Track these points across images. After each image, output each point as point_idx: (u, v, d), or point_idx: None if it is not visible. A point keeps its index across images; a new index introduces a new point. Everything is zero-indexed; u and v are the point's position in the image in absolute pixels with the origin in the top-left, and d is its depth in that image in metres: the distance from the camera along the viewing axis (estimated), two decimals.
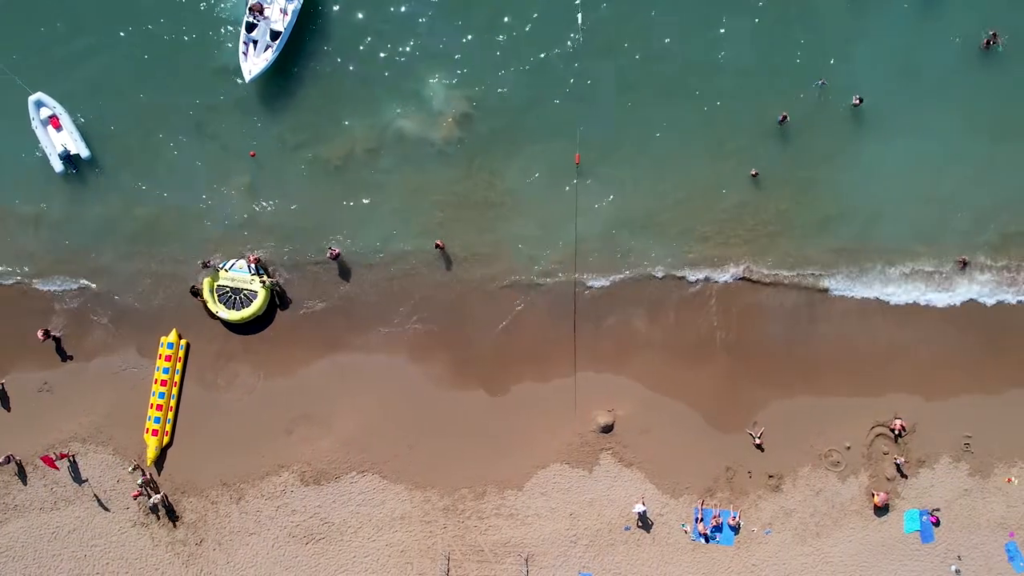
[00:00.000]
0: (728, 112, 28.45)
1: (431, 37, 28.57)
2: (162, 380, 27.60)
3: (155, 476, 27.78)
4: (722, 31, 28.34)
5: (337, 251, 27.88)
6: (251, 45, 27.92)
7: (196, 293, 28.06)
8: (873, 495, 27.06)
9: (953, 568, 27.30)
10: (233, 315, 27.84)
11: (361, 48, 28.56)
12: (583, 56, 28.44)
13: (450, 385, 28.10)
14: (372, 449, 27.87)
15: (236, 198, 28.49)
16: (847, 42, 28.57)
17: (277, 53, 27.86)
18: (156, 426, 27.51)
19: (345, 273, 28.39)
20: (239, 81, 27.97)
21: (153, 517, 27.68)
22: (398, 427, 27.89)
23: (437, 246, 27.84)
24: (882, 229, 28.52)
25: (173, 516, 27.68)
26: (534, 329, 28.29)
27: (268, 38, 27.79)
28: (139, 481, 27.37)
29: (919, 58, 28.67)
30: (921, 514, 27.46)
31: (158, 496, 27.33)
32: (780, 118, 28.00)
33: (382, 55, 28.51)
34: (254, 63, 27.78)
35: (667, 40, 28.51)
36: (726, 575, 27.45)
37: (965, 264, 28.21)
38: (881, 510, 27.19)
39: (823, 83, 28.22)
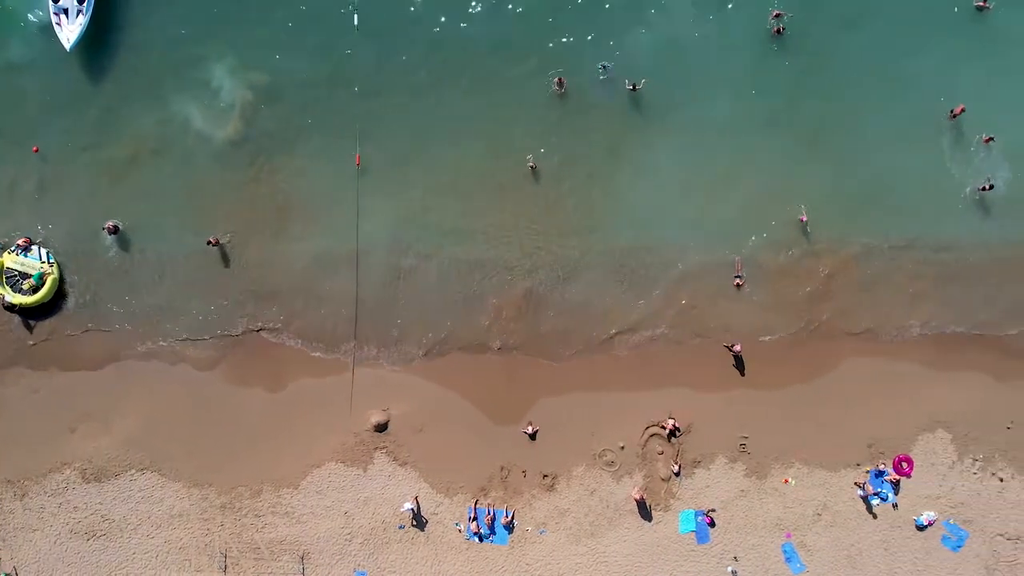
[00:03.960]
0: (507, 105, 28.25)
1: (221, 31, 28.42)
2: None
3: None
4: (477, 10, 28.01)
5: (114, 224, 27.77)
6: (63, 14, 28.00)
7: None
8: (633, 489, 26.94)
9: (729, 569, 27.17)
10: (18, 299, 27.91)
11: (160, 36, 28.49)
12: (361, 56, 28.21)
13: (228, 383, 28.17)
14: (151, 447, 28.04)
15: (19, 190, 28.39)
16: (629, 29, 28.15)
17: (88, 16, 27.89)
18: None
19: (128, 274, 28.37)
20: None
21: None
22: (177, 425, 28.02)
23: (210, 243, 27.76)
24: (662, 226, 28.11)
25: None
26: (313, 328, 28.25)
27: (76, 2, 27.86)
28: None
29: (705, 46, 28.22)
30: (696, 514, 27.31)
31: None
32: (556, 82, 27.80)
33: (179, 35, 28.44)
34: (70, 30, 27.91)
35: (436, 29, 28.34)
36: (500, 574, 27.40)
37: (740, 273, 27.81)
38: (642, 506, 26.97)
39: (607, 67, 27.89)
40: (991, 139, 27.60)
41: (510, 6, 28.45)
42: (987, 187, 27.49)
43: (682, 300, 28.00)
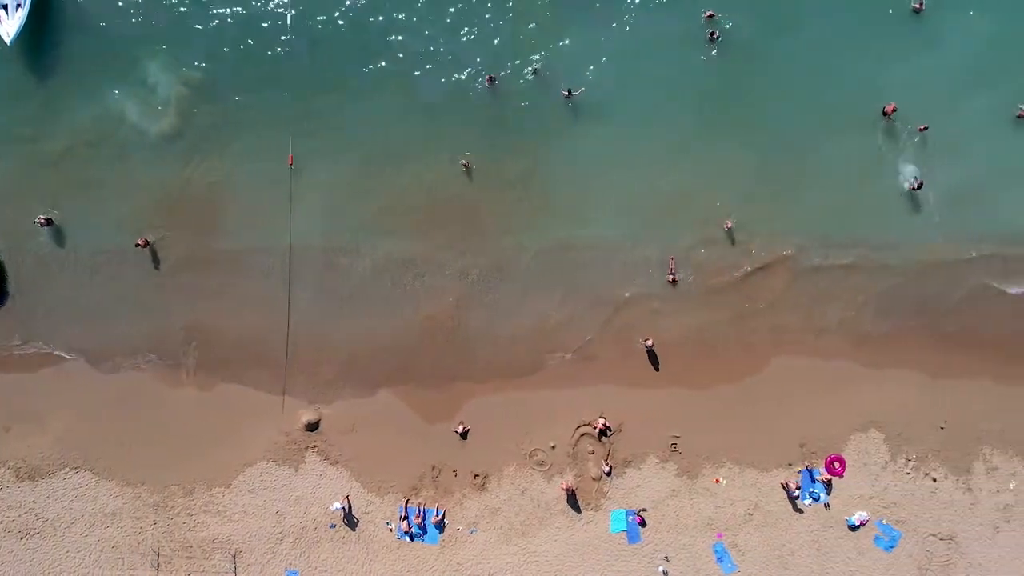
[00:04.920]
0: (441, 105, 28.22)
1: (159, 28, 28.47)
2: None
3: None
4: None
5: (46, 218, 27.75)
6: (2, 10, 28.13)
7: None
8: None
9: (660, 569, 27.11)
10: None
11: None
12: (295, 56, 28.22)
13: (160, 383, 28.15)
14: (85, 446, 28.07)
15: None
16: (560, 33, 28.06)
17: (27, 11, 27.94)
18: None
19: (61, 271, 28.38)
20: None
21: None
22: (111, 424, 28.04)
23: (139, 244, 27.75)
24: (596, 225, 28.03)
25: None
26: (246, 328, 28.21)
27: None
28: None
29: (642, 50, 28.16)
30: (627, 514, 27.26)
31: None
32: (487, 80, 27.88)
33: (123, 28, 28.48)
34: (9, 25, 28.01)
35: (393, 38, 28.39)
36: (431, 573, 27.41)
37: (673, 271, 27.72)
38: (573, 503, 26.90)
39: (534, 70, 27.79)
40: (926, 128, 27.42)
41: (444, 5, 28.28)
42: (916, 186, 27.34)
43: (615, 298, 27.79)
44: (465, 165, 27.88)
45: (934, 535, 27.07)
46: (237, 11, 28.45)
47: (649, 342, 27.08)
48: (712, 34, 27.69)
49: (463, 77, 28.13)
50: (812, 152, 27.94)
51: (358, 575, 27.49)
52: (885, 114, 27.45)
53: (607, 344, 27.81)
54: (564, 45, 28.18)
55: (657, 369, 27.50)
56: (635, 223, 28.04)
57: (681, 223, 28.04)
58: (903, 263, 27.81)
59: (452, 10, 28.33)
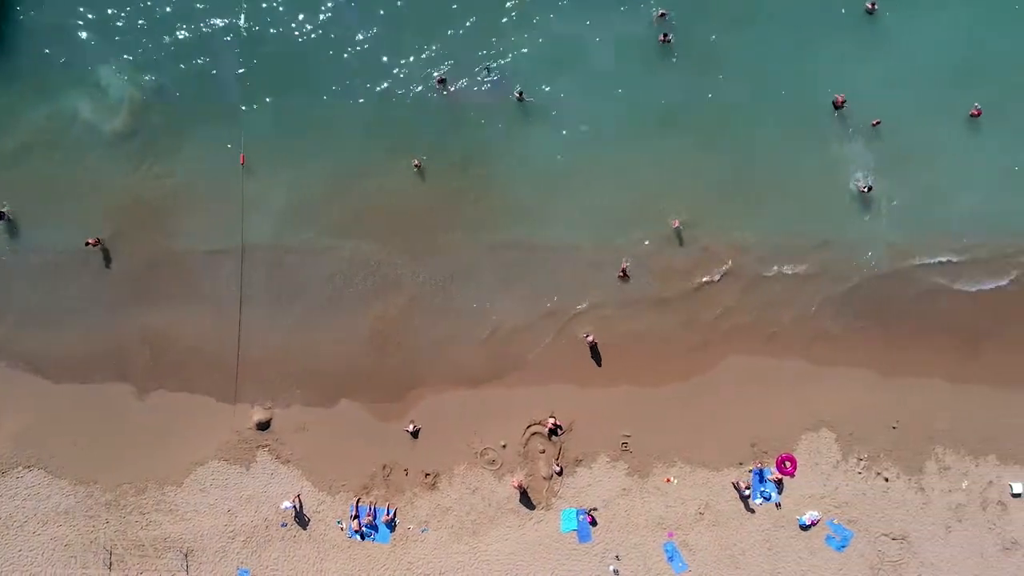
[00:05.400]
0: (394, 105, 28.26)
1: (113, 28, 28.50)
2: None
3: None
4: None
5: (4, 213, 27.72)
6: None
7: None
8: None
9: (611, 568, 27.07)
10: None
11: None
12: (248, 56, 28.27)
13: (114, 381, 28.14)
14: (38, 444, 28.08)
15: None
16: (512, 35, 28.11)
17: None
18: None
19: (11, 269, 28.41)
20: None
21: None
22: (64, 424, 28.05)
23: (89, 243, 27.78)
24: (549, 225, 28.03)
25: None
26: (198, 327, 28.22)
27: None
28: None
29: (594, 51, 28.16)
30: (578, 513, 27.23)
31: None
32: (437, 81, 27.81)
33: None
34: None
35: (347, 39, 28.43)
36: (381, 572, 27.42)
37: (625, 268, 27.72)
38: (524, 501, 26.90)
39: (491, 68, 27.95)
40: (878, 123, 27.48)
41: (398, 5, 28.29)
42: (866, 188, 27.32)
43: (567, 298, 27.82)
44: (417, 166, 27.87)
45: (886, 535, 27.00)
46: (190, 14, 28.31)
47: (590, 337, 27.06)
48: (664, 36, 27.62)
49: (415, 79, 28.03)
50: (765, 152, 27.95)
51: (309, 574, 27.48)
52: (835, 106, 27.34)
53: (559, 343, 27.83)
54: (516, 47, 28.10)
55: (600, 365, 27.42)
56: (587, 223, 28.04)
57: (633, 222, 28.04)
58: (855, 262, 27.74)
59: (406, 13, 28.23)
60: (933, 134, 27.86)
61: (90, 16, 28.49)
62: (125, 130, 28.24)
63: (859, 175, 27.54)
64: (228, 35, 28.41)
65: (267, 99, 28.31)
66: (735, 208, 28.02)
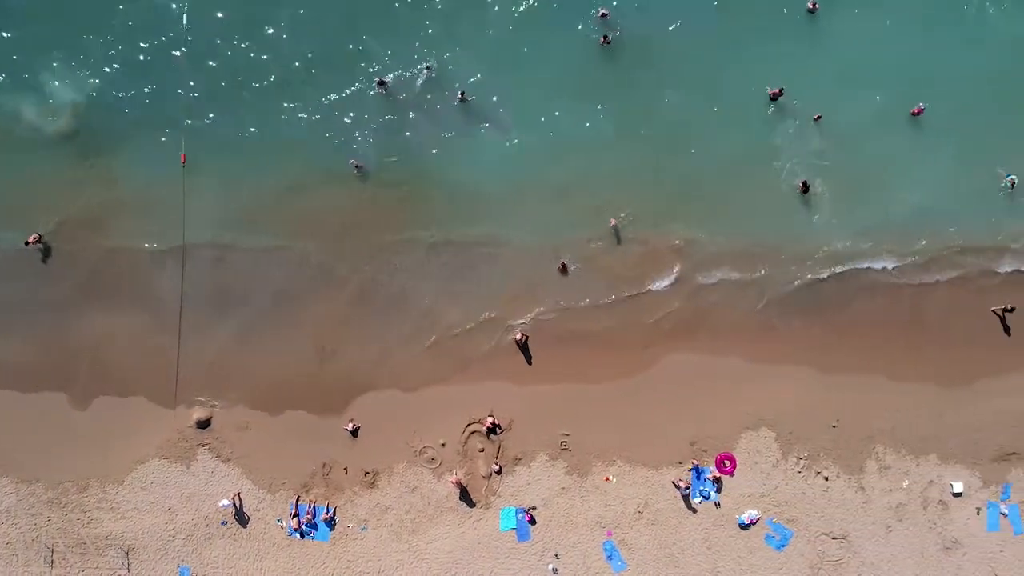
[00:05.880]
0: (334, 105, 28.31)
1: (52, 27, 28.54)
2: None
3: None
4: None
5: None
6: None
7: None
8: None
9: (550, 567, 27.06)
10: None
11: None
12: (191, 56, 28.32)
13: (56, 380, 28.17)
14: None
15: None
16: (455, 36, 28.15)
17: None
18: None
19: None
20: None
21: None
22: (5, 422, 28.10)
23: (28, 243, 27.85)
24: (489, 222, 28.07)
25: None
26: (139, 325, 28.27)
27: None
28: None
29: (536, 51, 28.21)
30: (517, 512, 27.22)
31: None
32: (378, 83, 27.92)
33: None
34: None
35: (270, 31, 28.40)
36: (321, 570, 27.44)
37: (565, 266, 27.71)
38: (464, 497, 26.86)
39: (431, 67, 28.00)
40: (819, 117, 27.52)
41: (339, 10, 28.34)
42: (803, 187, 27.30)
43: (506, 295, 27.84)
44: (358, 167, 27.89)
45: (826, 534, 26.94)
46: (132, 14, 28.38)
47: (518, 336, 27.07)
48: (605, 38, 27.62)
49: (357, 81, 28.04)
50: (706, 151, 27.89)
51: (249, 572, 27.51)
52: (772, 98, 27.31)
53: (499, 342, 27.76)
54: (458, 48, 28.12)
55: (530, 364, 27.45)
56: (528, 222, 27.99)
57: (574, 221, 27.98)
58: (795, 260, 27.69)
59: (346, 14, 28.27)
60: (875, 132, 27.82)
61: (33, 18, 28.43)
62: (68, 131, 28.24)
63: (799, 171, 27.43)
64: (171, 36, 28.33)
65: (209, 100, 28.24)
66: (675, 207, 28.01)
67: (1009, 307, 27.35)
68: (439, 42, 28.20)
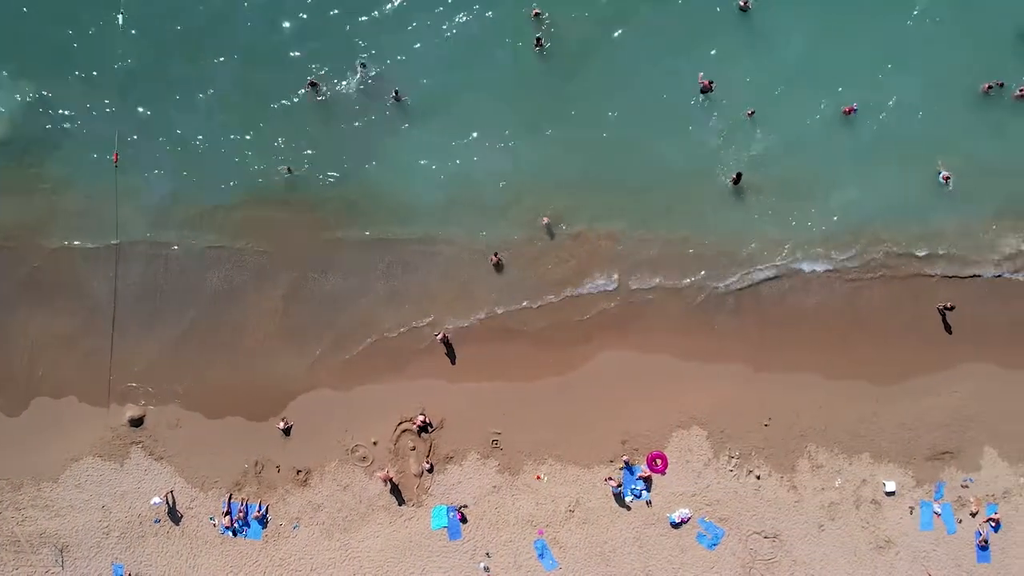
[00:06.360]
0: (265, 107, 28.50)
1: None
2: None
3: None
4: None
5: None
6: None
7: None
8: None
9: (482, 565, 27.05)
10: None
11: None
12: (125, 58, 28.51)
13: None
14: None
15: None
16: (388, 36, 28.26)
17: None
18: None
19: None
20: None
21: None
22: None
23: None
24: (421, 221, 28.11)
25: None
26: (74, 324, 28.40)
27: None
28: None
29: (470, 50, 28.26)
30: (448, 510, 27.21)
31: None
32: (309, 85, 27.90)
33: None
34: None
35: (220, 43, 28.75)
36: (254, 568, 27.50)
37: (499, 262, 27.72)
38: (394, 491, 26.96)
39: (365, 65, 28.04)
40: (752, 112, 27.45)
41: (273, 10, 28.43)
42: (736, 179, 27.24)
43: (436, 293, 27.87)
44: (289, 169, 27.98)
45: (758, 533, 26.84)
46: (68, 18, 28.51)
47: (439, 335, 27.09)
48: (538, 41, 27.59)
49: (289, 82, 28.17)
50: (639, 149, 27.80)
51: (183, 569, 27.59)
52: (703, 90, 27.29)
53: (430, 340, 27.77)
54: (392, 49, 28.16)
55: (454, 363, 27.43)
56: (462, 221, 28.03)
57: (508, 220, 28.00)
58: (729, 257, 27.60)
59: (279, 14, 28.34)
60: (809, 130, 27.70)
61: None
62: (3, 134, 28.38)
63: (733, 166, 27.34)
64: (105, 40, 28.45)
65: (143, 100, 28.39)
66: (609, 205, 27.91)
67: (949, 305, 27.18)
68: (373, 44, 28.17)
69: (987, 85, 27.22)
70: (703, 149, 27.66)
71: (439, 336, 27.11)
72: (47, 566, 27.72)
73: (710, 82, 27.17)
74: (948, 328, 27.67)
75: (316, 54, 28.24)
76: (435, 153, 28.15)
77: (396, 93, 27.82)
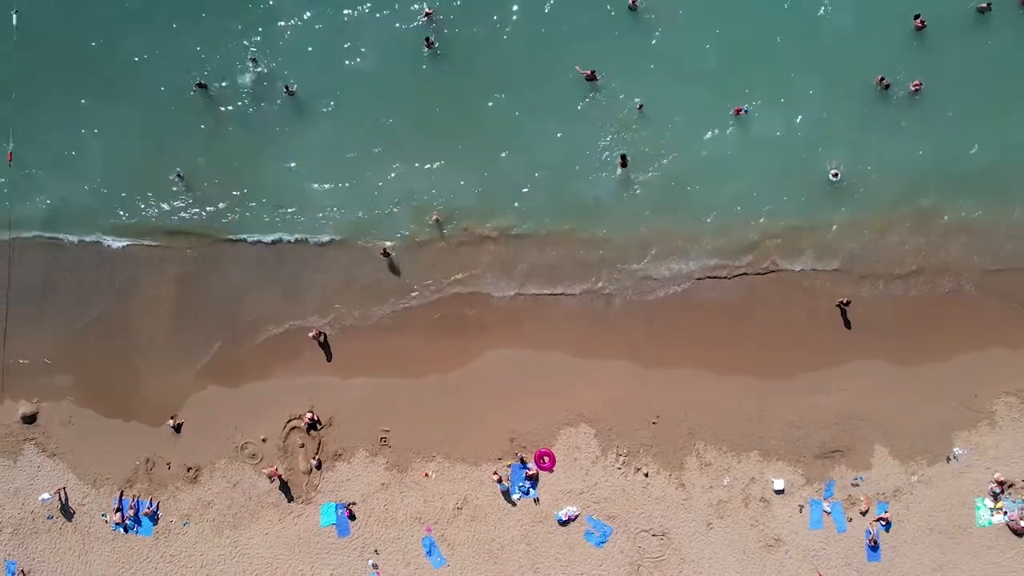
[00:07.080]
0: (159, 107, 28.64)
1: None
2: None
3: None
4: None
5: None
6: None
7: None
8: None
9: (370, 562, 27.08)
10: None
11: None
12: (20, 56, 28.59)
13: None
14: None
15: None
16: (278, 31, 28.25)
17: None
18: None
19: None
20: None
21: None
22: None
23: None
24: (314, 222, 28.18)
25: None
26: None
27: None
28: None
29: (360, 49, 28.26)
30: (337, 507, 27.25)
31: None
32: (196, 86, 28.11)
33: None
34: None
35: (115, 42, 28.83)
36: (145, 565, 27.62)
37: (388, 255, 27.74)
38: (283, 488, 27.05)
39: (256, 59, 28.15)
40: (642, 106, 27.33)
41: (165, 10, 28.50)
42: (623, 162, 27.11)
43: (322, 291, 27.97)
44: (179, 176, 28.10)
45: (646, 531, 26.74)
46: None
47: (312, 333, 27.12)
48: (428, 41, 27.54)
49: (178, 82, 28.21)
50: (525, 142, 27.77)
51: (75, 566, 27.74)
52: (587, 79, 27.16)
53: (319, 338, 27.78)
54: (284, 46, 28.17)
55: (330, 360, 27.45)
56: (352, 218, 28.13)
57: (398, 216, 28.04)
58: (620, 252, 27.48)
59: (169, 14, 28.43)
60: (698, 126, 27.53)
61: None
62: None
63: (616, 154, 27.21)
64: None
65: (39, 100, 28.53)
66: (500, 201, 27.91)
67: (845, 301, 26.99)
68: (263, 40, 28.18)
69: (880, 77, 26.94)
70: (590, 141, 27.42)
71: (312, 335, 27.11)
72: None
73: (593, 71, 26.98)
74: (848, 324, 27.38)
75: (205, 55, 28.15)
76: (328, 150, 28.16)
77: (287, 88, 27.83)
